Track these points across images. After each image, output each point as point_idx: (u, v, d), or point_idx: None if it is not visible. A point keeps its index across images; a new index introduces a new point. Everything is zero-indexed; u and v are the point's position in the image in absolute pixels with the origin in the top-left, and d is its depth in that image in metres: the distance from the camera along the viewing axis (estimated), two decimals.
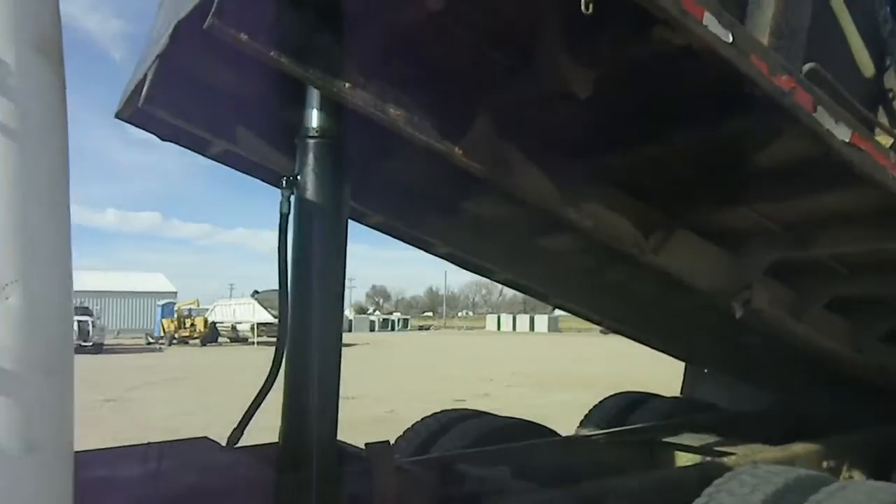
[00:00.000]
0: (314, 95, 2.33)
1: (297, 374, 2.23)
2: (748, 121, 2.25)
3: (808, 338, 3.53)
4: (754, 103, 2.12)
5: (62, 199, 1.18)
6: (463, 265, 4.08)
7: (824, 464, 3.47)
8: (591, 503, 2.57)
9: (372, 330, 62.35)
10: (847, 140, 2.14)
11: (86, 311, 29.62)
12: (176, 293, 53.22)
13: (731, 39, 1.83)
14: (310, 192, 2.26)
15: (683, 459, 3.92)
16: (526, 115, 2.40)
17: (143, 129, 3.03)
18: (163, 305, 40.59)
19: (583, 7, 1.57)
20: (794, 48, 2.09)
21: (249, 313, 35.87)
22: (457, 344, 39.37)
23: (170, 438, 2.32)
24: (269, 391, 2.21)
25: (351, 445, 2.37)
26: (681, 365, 5.73)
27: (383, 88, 2.12)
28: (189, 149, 3.21)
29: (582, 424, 4.98)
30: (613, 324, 4.71)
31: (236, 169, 3.35)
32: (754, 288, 3.14)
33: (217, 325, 38.47)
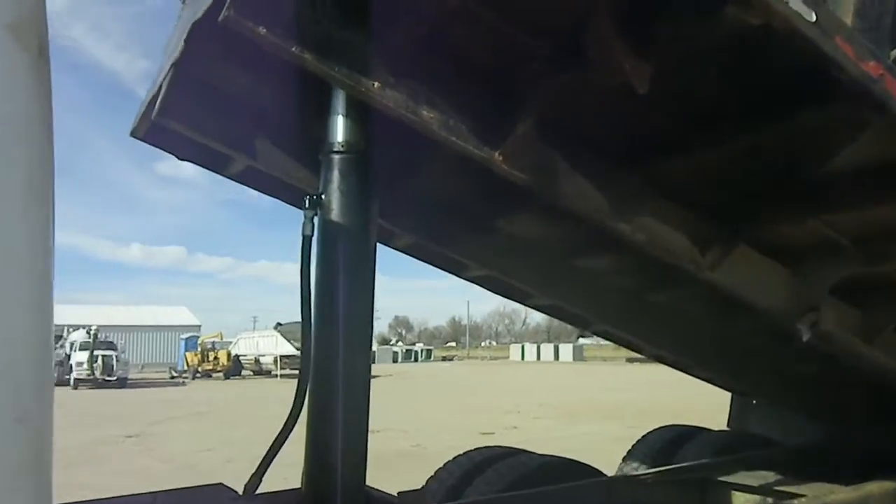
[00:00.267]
0: (339, 105, 2.14)
1: (322, 413, 2.00)
2: (825, 116, 1.99)
3: (879, 363, 3.21)
4: (833, 96, 1.87)
5: (41, 212, 0.95)
6: (496, 290, 3.83)
7: None
8: None
9: (395, 361, 61.88)
10: None
11: (110, 345, 29.80)
12: (200, 326, 53.50)
13: (814, 18, 1.59)
14: (335, 212, 2.05)
15: (741, 500, 3.60)
16: (571, 118, 2.17)
17: (160, 147, 2.87)
18: (186, 339, 40.72)
19: None
20: (879, 34, 1.84)
21: (272, 346, 35.82)
22: (481, 374, 38.80)
23: (190, 474, 2.09)
24: (290, 432, 1.98)
25: (381, 492, 2.11)
26: (713, 394, 5.37)
27: (415, 88, 1.91)
28: (208, 168, 3.04)
29: (625, 461, 4.64)
30: (656, 351, 4.40)
31: (258, 189, 3.17)
32: (822, 309, 2.84)
33: (240, 357, 38.45)
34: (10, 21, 0.96)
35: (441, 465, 3.63)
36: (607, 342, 4.91)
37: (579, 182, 2.25)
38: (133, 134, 2.86)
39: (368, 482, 2.01)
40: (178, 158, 2.95)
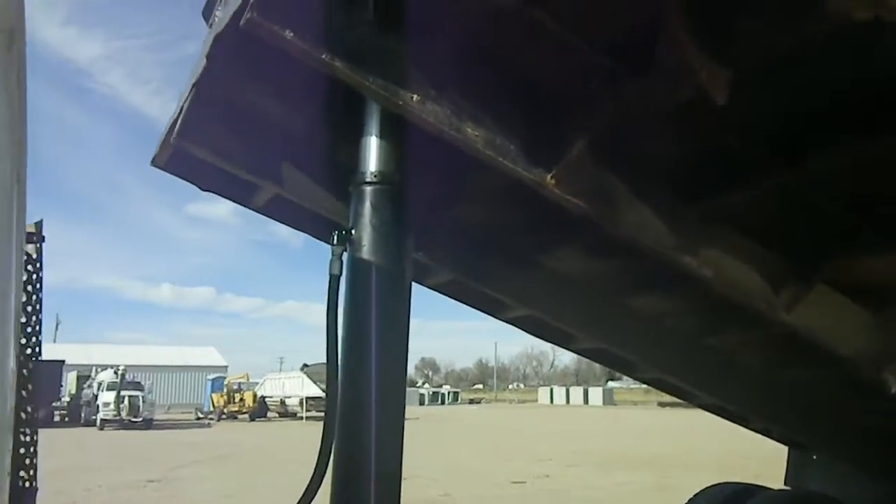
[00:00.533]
0: (372, 129, 1.94)
1: (350, 467, 1.75)
2: None
3: None
4: None
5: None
6: (535, 332, 3.56)
7: None
8: None
9: (422, 404, 60.97)
10: None
11: (137, 386, 29.83)
12: (227, 367, 53.53)
13: None
14: (367, 249, 1.84)
15: None
16: (631, 138, 1.93)
17: (181, 177, 2.70)
18: (213, 380, 40.68)
19: None
20: None
21: (298, 387, 35.50)
22: (509, 418, 37.95)
23: None
24: (317, 490, 1.73)
25: None
26: (754, 443, 4.96)
27: (459, 102, 1.71)
28: (232, 199, 2.86)
29: None
30: (709, 399, 4.05)
31: (284, 222, 2.99)
32: None
33: (266, 399, 38.22)
34: None
35: None
36: (637, 385, 4.60)
37: (640, 210, 2.00)
38: (154, 163, 2.69)
39: None
40: (201, 189, 2.78)
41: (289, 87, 2.10)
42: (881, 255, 2.34)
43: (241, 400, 36.57)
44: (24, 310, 2.42)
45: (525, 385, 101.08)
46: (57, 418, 30.62)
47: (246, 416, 35.49)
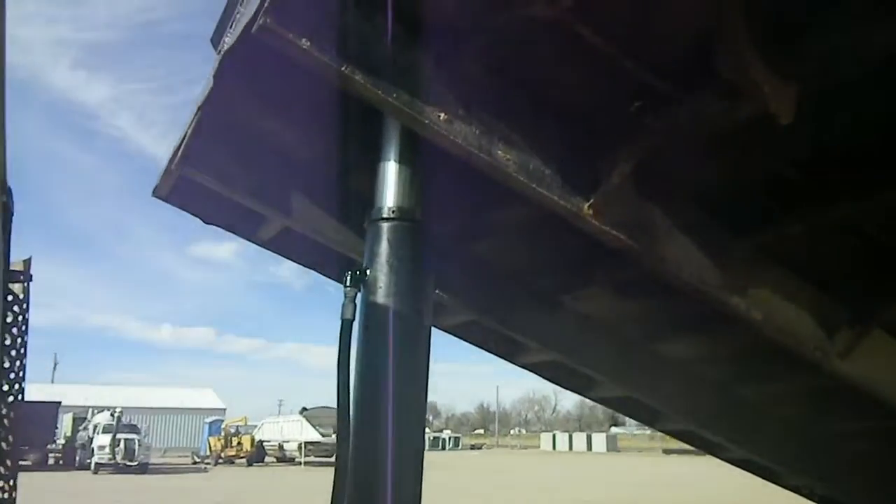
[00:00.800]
0: (391, 158, 1.78)
1: None
2: None
3: None
4: None
5: None
6: (556, 379, 3.33)
7: None
8: None
9: None
10: None
11: (133, 429, 29.23)
12: (224, 410, 52.65)
13: None
14: (383, 292, 1.66)
15: None
16: (676, 167, 1.76)
17: (184, 209, 2.54)
18: (210, 423, 39.90)
19: None
20: None
21: (297, 431, 34.75)
22: (513, 465, 37.00)
23: None
24: None
25: None
26: (770, 494, 4.65)
27: (489, 122, 1.54)
28: (237, 234, 2.69)
29: None
30: (745, 455, 3.78)
31: (292, 258, 2.80)
32: None
33: (264, 443, 37.42)
34: None
35: None
36: (641, 430, 4.32)
37: (684, 244, 1.82)
38: (155, 193, 2.53)
39: None
40: (204, 222, 2.61)
41: (301, 108, 1.94)
42: None
43: (239, 444, 35.78)
44: (8, 353, 2.22)
45: (527, 430, 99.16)
46: (51, 461, 29.90)
47: (243, 460, 34.68)
